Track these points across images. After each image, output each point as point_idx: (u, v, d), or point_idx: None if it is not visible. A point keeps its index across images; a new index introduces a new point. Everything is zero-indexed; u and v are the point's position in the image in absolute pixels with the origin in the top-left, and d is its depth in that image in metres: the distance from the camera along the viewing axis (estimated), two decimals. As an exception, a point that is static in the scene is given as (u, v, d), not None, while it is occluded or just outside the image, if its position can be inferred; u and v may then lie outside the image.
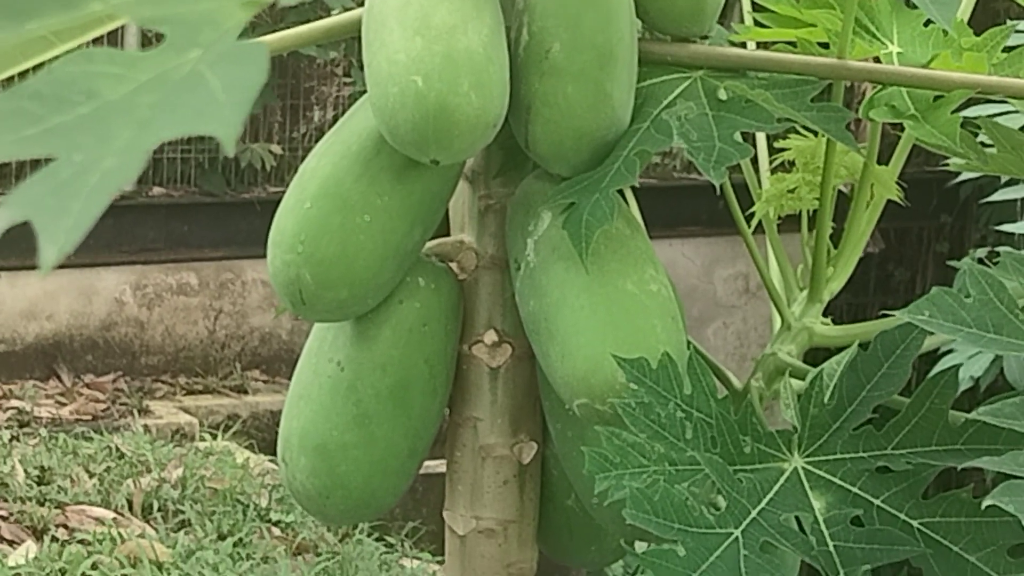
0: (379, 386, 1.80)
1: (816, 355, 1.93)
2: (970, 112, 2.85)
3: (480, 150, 1.77)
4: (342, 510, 1.84)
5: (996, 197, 4.61)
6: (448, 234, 1.88)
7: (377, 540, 5.78)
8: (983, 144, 1.90)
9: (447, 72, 1.60)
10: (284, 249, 1.74)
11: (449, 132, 1.61)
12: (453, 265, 1.86)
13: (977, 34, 1.86)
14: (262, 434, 7.36)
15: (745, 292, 9.34)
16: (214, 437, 6.97)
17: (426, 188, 1.75)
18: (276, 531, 5.65)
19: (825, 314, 1.96)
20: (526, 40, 1.71)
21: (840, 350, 1.70)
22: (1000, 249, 1.46)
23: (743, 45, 1.91)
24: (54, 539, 5.27)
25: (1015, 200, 4.57)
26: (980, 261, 5.24)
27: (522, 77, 1.70)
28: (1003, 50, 1.86)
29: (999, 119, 2.28)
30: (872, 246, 9.34)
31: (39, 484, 5.74)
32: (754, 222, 2.00)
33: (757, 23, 1.90)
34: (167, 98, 0.61)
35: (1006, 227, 4.40)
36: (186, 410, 7.74)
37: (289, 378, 1.91)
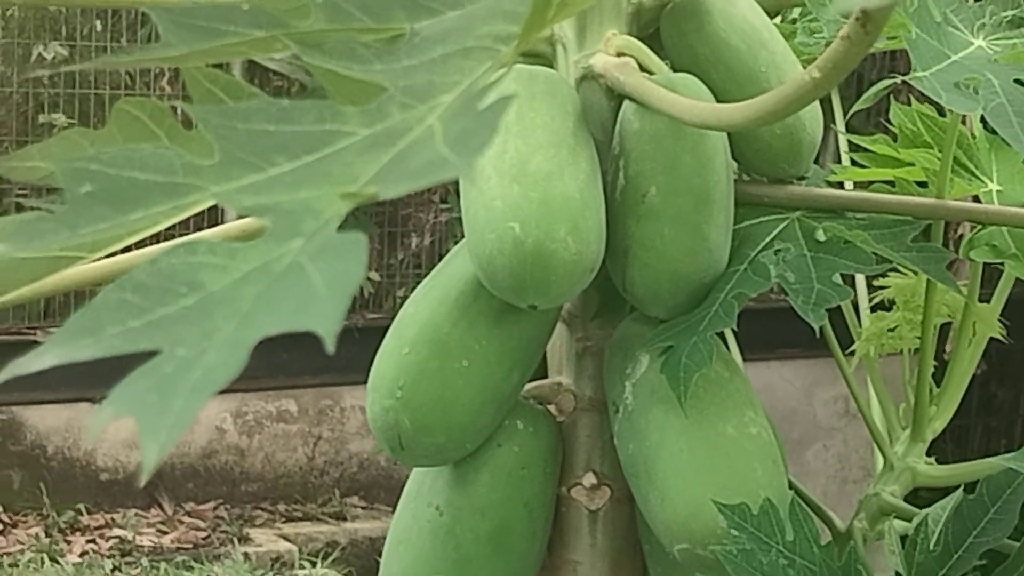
0: (478, 530, 1.79)
1: (917, 492, 1.91)
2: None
3: (578, 293, 1.78)
4: (443, 655, 1.83)
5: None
6: (546, 376, 1.88)
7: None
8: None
9: (544, 218, 1.60)
10: (383, 394, 1.75)
11: (547, 278, 1.61)
12: (551, 407, 1.86)
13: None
14: (361, 561, 7.36)
15: (845, 414, 9.25)
16: (313, 564, 6.97)
17: (524, 332, 1.76)
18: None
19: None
20: (622, 184, 1.71)
21: (942, 489, 1.68)
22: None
23: (840, 185, 1.91)
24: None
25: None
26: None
27: (619, 221, 1.71)
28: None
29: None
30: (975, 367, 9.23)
31: (141, 614, 5.76)
32: (854, 361, 1.99)
33: (854, 163, 1.90)
34: (269, 291, 0.61)
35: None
36: (286, 537, 7.75)
37: (388, 504, 1.91)
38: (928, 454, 1.94)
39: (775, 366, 8.92)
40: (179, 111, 0.77)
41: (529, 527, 1.81)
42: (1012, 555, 1.58)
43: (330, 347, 0.61)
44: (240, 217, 0.82)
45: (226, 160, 0.68)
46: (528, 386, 1.84)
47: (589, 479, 1.83)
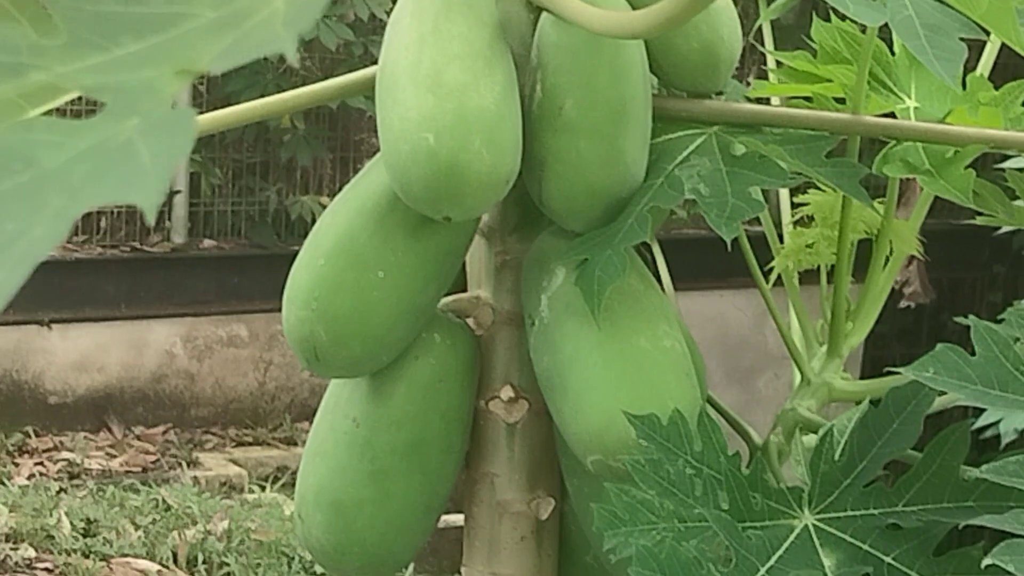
0: (395, 443, 1.80)
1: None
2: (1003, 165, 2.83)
3: (496, 206, 1.78)
4: (358, 566, 1.84)
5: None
6: (465, 290, 1.88)
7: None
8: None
9: (459, 129, 1.60)
10: (298, 306, 1.75)
11: (461, 189, 1.61)
12: (470, 321, 1.87)
13: (997, 87, 1.85)
14: (311, 486, 7.35)
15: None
16: (263, 489, 6.98)
17: (440, 245, 1.76)
18: (321, 584, 5.65)
19: (877, 364, 1.95)
20: (539, 97, 1.71)
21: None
22: (1010, 312, 1.46)
23: (760, 101, 1.91)
24: (99, 591, 5.29)
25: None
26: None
27: (536, 134, 1.71)
28: (1022, 104, 1.85)
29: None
30: (924, 296, 9.29)
31: (85, 536, 5.77)
32: (772, 276, 2.00)
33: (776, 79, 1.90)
34: (99, 167, 0.61)
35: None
36: (235, 462, 7.76)
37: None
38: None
39: (727, 295, 8.95)
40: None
41: (446, 440, 1.82)
42: (915, 465, 1.60)
43: (150, 218, 0.61)
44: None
45: (72, 41, 0.68)
46: (446, 299, 1.85)
47: (507, 392, 1.84)
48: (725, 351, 8.83)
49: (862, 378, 1.93)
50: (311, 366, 1.77)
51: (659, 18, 1.27)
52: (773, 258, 2.03)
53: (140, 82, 0.65)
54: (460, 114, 1.61)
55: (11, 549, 5.55)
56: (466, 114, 1.61)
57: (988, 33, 1.67)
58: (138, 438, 7.94)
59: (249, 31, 0.64)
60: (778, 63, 1.92)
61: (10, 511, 5.88)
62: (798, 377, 1.96)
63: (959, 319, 1.51)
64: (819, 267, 1.99)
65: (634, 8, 1.70)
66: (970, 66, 1.70)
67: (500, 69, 1.66)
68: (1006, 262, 9.60)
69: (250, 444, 8.16)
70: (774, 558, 1.56)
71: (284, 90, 1.49)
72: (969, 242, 9.08)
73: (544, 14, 1.73)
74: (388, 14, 1.74)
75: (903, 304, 7.75)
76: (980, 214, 1.89)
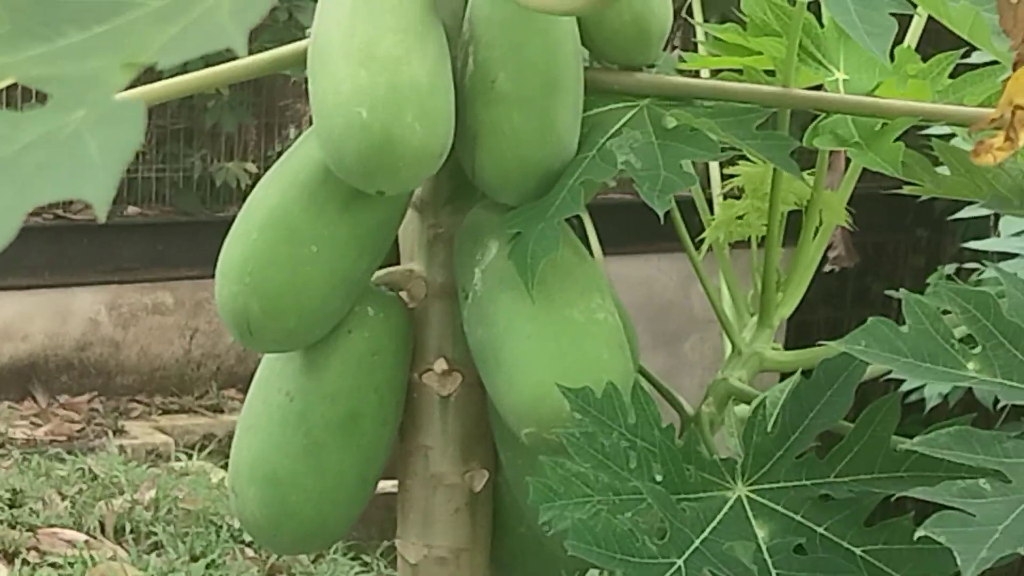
0: (329, 416, 1.80)
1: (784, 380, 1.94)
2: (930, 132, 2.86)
3: (428, 179, 1.78)
4: (292, 540, 1.84)
5: (964, 214, 4.62)
6: (398, 263, 1.88)
7: (352, 560, 5.77)
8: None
9: (391, 103, 1.60)
10: (231, 279, 1.74)
11: (394, 163, 1.61)
12: (403, 294, 1.87)
13: (925, 59, 1.87)
14: (238, 453, 7.33)
15: (721, 307, 9.33)
16: (189, 457, 6.96)
17: (373, 218, 1.76)
18: (249, 552, 5.65)
19: (802, 328, 1.97)
20: (472, 70, 1.71)
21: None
22: (939, 285, 1.47)
23: (692, 73, 1.92)
24: (25, 562, 5.26)
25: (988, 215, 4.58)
26: (949, 277, 5.26)
27: (468, 106, 1.71)
28: (949, 76, 1.87)
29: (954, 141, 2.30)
30: (848, 260, 9.36)
31: (11, 507, 5.73)
32: (704, 248, 2.01)
33: (707, 53, 1.91)
34: (48, 160, 0.61)
35: (976, 244, 4.41)
36: (162, 430, 7.72)
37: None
38: (803, 345, 1.97)
39: (652, 259, 8.98)
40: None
41: (380, 413, 1.82)
42: (847, 436, 1.61)
43: (101, 216, 0.61)
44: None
45: (16, 31, 0.67)
46: (379, 272, 1.84)
47: (440, 365, 1.84)
48: (651, 315, 8.86)
49: (787, 342, 1.95)
50: (244, 340, 1.76)
51: (594, -5, 1.28)
52: (700, 222, 2.04)
53: (85, 73, 0.65)
54: (393, 88, 1.61)
55: (-64, 520, 5.52)
56: (399, 87, 1.61)
57: (915, 6, 1.68)
58: (63, 407, 7.89)
59: (195, 21, 0.64)
60: (708, 35, 1.93)
61: (-66, 482, 5.84)
62: (729, 347, 1.98)
63: (890, 291, 1.53)
64: (749, 237, 2.00)
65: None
66: (897, 38, 1.72)
67: (432, 42, 1.66)
68: (929, 226, 9.69)
69: (176, 412, 8.12)
70: (708, 530, 1.58)
71: (211, 62, 1.48)
72: (892, 206, 9.14)
73: (476, -13, 1.73)
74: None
75: (827, 268, 7.80)
76: (906, 183, 1.91)
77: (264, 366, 1.87)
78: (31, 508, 5.70)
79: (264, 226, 1.74)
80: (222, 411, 8.15)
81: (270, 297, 1.73)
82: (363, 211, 1.74)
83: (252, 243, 1.74)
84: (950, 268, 5.37)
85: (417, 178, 1.66)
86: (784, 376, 1.90)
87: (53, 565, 5.21)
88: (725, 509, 1.60)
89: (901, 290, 1.50)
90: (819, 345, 1.90)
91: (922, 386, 4.87)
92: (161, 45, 0.64)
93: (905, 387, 4.28)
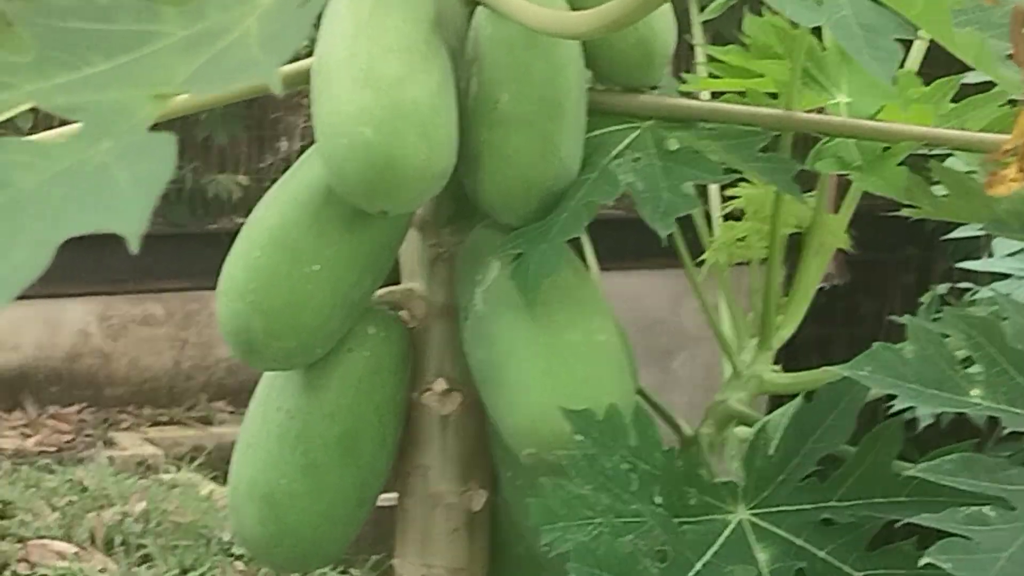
0: (328, 435, 1.80)
1: (781, 401, 1.94)
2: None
3: (430, 199, 1.78)
4: (290, 559, 1.84)
5: (956, 234, 4.62)
6: (398, 282, 1.88)
7: (341, 573, 5.76)
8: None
9: (394, 123, 1.60)
10: (232, 298, 1.74)
11: (397, 183, 1.61)
12: (403, 313, 1.87)
13: (927, 82, 1.87)
14: (227, 466, 7.27)
15: (712, 323, 9.33)
16: (179, 469, 6.95)
17: (375, 238, 1.76)
18: (239, 565, 5.64)
19: (791, 345, 1.97)
20: (475, 91, 1.71)
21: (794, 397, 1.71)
22: (947, 311, 1.47)
23: (696, 96, 1.92)
24: (15, 574, 5.24)
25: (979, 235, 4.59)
26: (942, 297, 5.25)
27: (471, 128, 1.71)
28: (951, 100, 1.87)
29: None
30: (839, 277, 9.37)
31: (1, 518, 5.72)
32: (704, 269, 2.01)
33: (709, 74, 1.91)
34: (77, 191, 0.61)
35: (970, 264, 4.41)
36: (151, 441, 7.71)
37: (255, 409, 1.91)
38: (793, 363, 1.97)
39: (643, 275, 8.98)
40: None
41: (379, 432, 1.82)
42: (848, 460, 1.61)
43: (134, 247, 0.61)
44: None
45: (42, 58, 0.67)
46: (380, 292, 1.85)
47: (440, 385, 1.84)
48: (641, 331, 8.85)
49: (776, 359, 1.95)
50: (245, 358, 1.76)
51: (603, 21, 1.28)
52: (693, 240, 2.04)
53: (112, 103, 0.64)
54: (396, 108, 1.61)
55: (-75, 532, 5.51)
56: (402, 108, 1.61)
57: (916, 29, 1.68)
58: (53, 417, 7.87)
59: (223, 51, 0.64)
60: (710, 57, 1.93)
61: (-76, 493, 5.82)
62: (728, 368, 1.98)
63: (895, 317, 1.53)
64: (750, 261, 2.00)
65: (569, 1, 1.71)
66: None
67: (436, 63, 1.66)
68: (919, 244, 9.70)
69: (166, 424, 8.11)
70: (709, 553, 1.58)
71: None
72: (883, 224, 9.15)
73: (480, 8, 1.73)
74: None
75: (818, 285, 7.81)
76: (905, 205, 1.91)
77: (264, 384, 1.87)
78: (21, 519, 5.68)
79: (266, 245, 1.74)
80: (211, 423, 8.14)
81: (271, 316, 1.73)
82: (365, 230, 1.74)
83: (254, 261, 1.74)
84: (942, 288, 5.37)
85: (419, 198, 1.66)
86: (779, 398, 1.90)
87: (42, 577, 5.20)
88: (727, 532, 1.60)
89: (906, 316, 1.50)
90: (816, 367, 1.90)
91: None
92: (187, 75, 0.64)
93: (897, 406, 4.26)
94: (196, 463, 7.11)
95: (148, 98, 0.65)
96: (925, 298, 5.01)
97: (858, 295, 10.01)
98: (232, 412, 8.25)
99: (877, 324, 10.12)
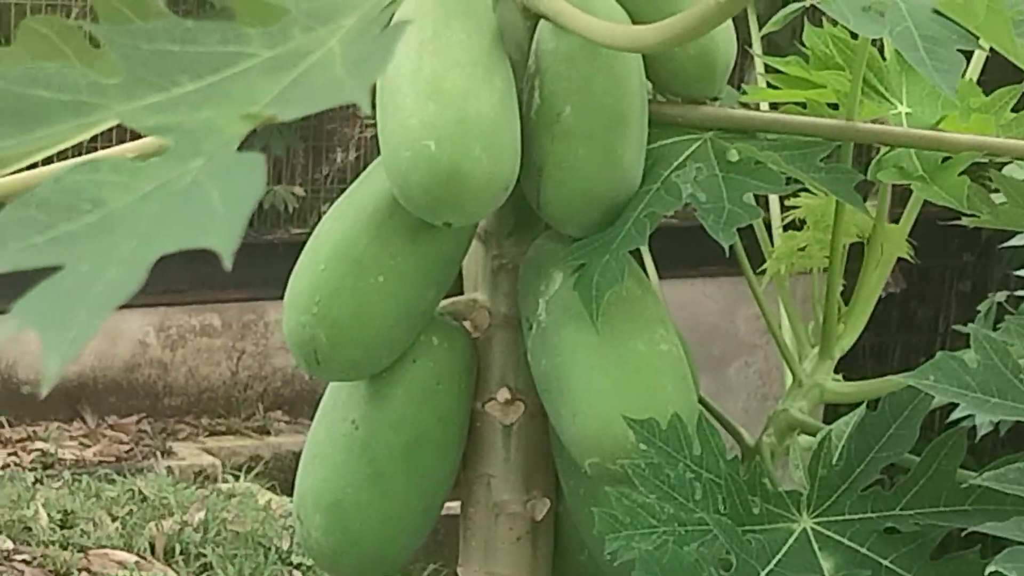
0: (393, 445, 1.81)
1: (838, 409, 1.95)
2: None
3: (493, 211, 1.79)
4: (356, 568, 1.86)
5: (1014, 242, 4.60)
6: (462, 293, 1.90)
7: (399, 583, 5.77)
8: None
9: (459, 136, 1.62)
10: (299, 310, 1.76)
11: (461, 195, 1.63)
12: (467, 324, 1.88)
13: (987, 93, 1.88)
14: (284, 475, 7.38)
15: (767, 332, 9.29)
16: (236, 478, 6.99)
17: (439, 249, 1.77)
18: (297, 574, 5.67)
19: (847, 354, 1.97)
20: (538, 103, 1.73)
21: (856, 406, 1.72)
22: (1009, 320, 1.48)
23: (755, 106, 1.93)
24: (77, 583, 5.29)
25: (1036, 242, 4.56)
26: (1000, 305, 5.23)
27: (534, 139, 1.72)
28: (1012, 110, 1.88)
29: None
30: (894, 285, 9.33)
31: (62, 528, 5.77)
32: (765, 280, 2.02)
33: (768, 84, 1.92)
34: (168, 209, 0.63)
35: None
36: (209, 451, 7.76)
37: (312, 419, 1.93)
38: (849, 371, 1.98)
39: (698, 283, 8.98)
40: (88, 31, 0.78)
41: (444, 442, 1.84)
42: (912, 469, 1.62)
43: (227, 264, 0.62)
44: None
45: (130, 79, 0.69)
46: (444, 302, 1.86)
47: (503, 394, 1.86)
48: (696, 339, 8.80)
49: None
50: (311, 370, 1.78)
51: (665, 35, 1.29)
52: (751, 246, 2.04)
53: (201, 122, 0.66)
54: (460, 121, 1.62)
55: (-11, 541, 5.56)
56: (466, 121, 1.62)
57: (977, 39, 1.69)
58: (111, 428, 7.93)
59: (307, 72, 0.66)
60: (769, 68, 1.94)
61: (-14, 502, 5.88)
62: (789, 377, 1.99)
63: (957, 327, 1.53)
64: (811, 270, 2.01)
65: (630, 13, 1.73)
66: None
67: (499, 75, 1.68)
68: (975, 251, 9.66)
69: (223, 433, 8.16)
70: (773, 562, 1.59)
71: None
72: (939, 231, 9.11)
73: (542, 21, 1.74)
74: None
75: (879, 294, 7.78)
76: (965, 214, 1.91)
77: (329, 394, 1.88)
78: (82, 529, 5.73)
79: (331, 257, 1.76)
80: (268, 433, 8.18)
81: (337, 327, 1.75)
82: (429, 242, 1.76)
83: (320, 274, 1.76)
84: (1000, 296, 5.34)
85: (484, 210, 1.68)
86: (836, 407, 1.91)
87: (104, 586, 5.24)
88: (791, 541, 1.61)
89: (970, 325, 1.51)
90: (872, 376, 1.91)
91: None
92: (273, 96, 0.66)
93: (957, 414, 4.26)
94: (253, 473, 7.15)
95: (236, 117, 0.66)
96: (983, 306, 4.98)
97: (913, 303, 9.98)
98: (288, 422, 8.30)
99: (933, 332, 10.08)
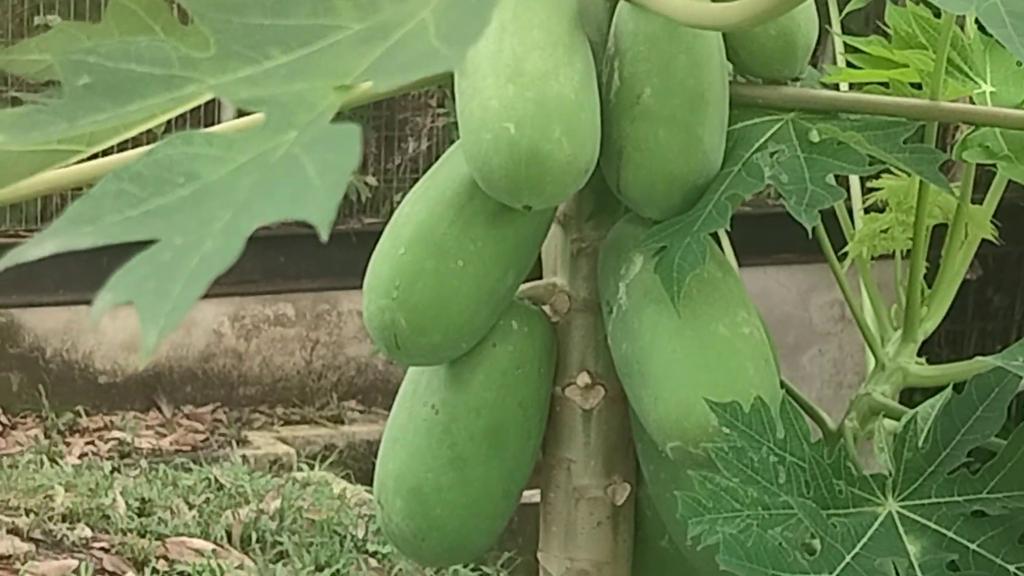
0: (473, 429, 1.81)
1: (913, 393, 1.93)
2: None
3: (572, 194, 1.79)
4: (437, 552, 1.86)
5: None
6: (541, 277, 1.89)
7: (473, 571, 5.79)
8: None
9: (539, 118, 1.61)
10: (379, 294, 1.76)
11: (541, 178, 1.62)
12: (546, 308, 1.87)
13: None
14: (359, 464, 7.40)
15: (841, 319, 9.28)
16: (311, 467, 7.02)
17: (519, 233, 1.77)
18: (373, 562, 5.68)
19: (923, 341, 1.95)
20: (617, 85, 1.72)
21: (936, 389, 1.70)
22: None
23: (835, 86, 1.91)
24: (155, 571, 5.33)
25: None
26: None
27: (614, 122, 1.71)
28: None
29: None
30: (970, 272, 9.24)
31: (140, 516, 5.81)
32: (847, 262, 2.00)
33: (849, 64, 1.90)
34: (264, 181, 0.62)
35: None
36: (283, 440, 7.80)
37: (385, 408, 1.94)
38: (925, 357, 1.96)
39: (771, 271, 8.94)
40: (175, 5, 0.78)
41: (523, 426, 1.83)
42: (999, 453, 1.60)
43: (324, 235, 0.62)
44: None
45: (222, 53, 0.69)
46: (523, 287, 1.85)
47: (583, 378, 1.85)
48: (769, 327, 8.79)
49: (912, 352, 1.93)
50: (391, 354, 1.78)
51: (747, 13, 1.28)
52: (826, 234, 2.02)
53: (294, 95, 0.66)
54: (541, 103, 1.62)
55: (68, 528, 5.60)
56: (546, 103, 1.62)
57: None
58: (187, 417, 7.99)
59: (399, 43, 0.65)
60: (851, 47, 1.92)
61: (65, 491, 5.93)
62: (872, 361, 1.97)
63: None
64: (894, 253, 1.99)
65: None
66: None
67: (579, 57, 1.67)
68: (1053, 237, 9.56)
69: (297, 423, 8.20)
70: (859, 545, 1.57)
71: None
72: (1014, 217, 9.04)
73: (621, 1, 1.73)
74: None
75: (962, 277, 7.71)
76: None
77: (409, 379, 1.88)
78: (159, 517, 5.77)
79: (411, 242, 1.76)
80: (342, 422, 8.21)
81: (417, 311, 1.74)
82: (509, 226, 1.75)
83: (399, 259, 1.76)
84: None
85: (564, 193, 1.67)
86: (924, 391, 1.88)
87: (182, 574, 5.27)
88: (876, 525, 1.59)
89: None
90: (948, 362, 1.89)
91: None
92: (366, 67, 0.65)
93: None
94: (328, 461, 7.18)
95: (329, 89, 0.66)
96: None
97: (989, 289, 9.89)
98: (362, 411, 8.32)
99: (1009, 319, 9.99)
